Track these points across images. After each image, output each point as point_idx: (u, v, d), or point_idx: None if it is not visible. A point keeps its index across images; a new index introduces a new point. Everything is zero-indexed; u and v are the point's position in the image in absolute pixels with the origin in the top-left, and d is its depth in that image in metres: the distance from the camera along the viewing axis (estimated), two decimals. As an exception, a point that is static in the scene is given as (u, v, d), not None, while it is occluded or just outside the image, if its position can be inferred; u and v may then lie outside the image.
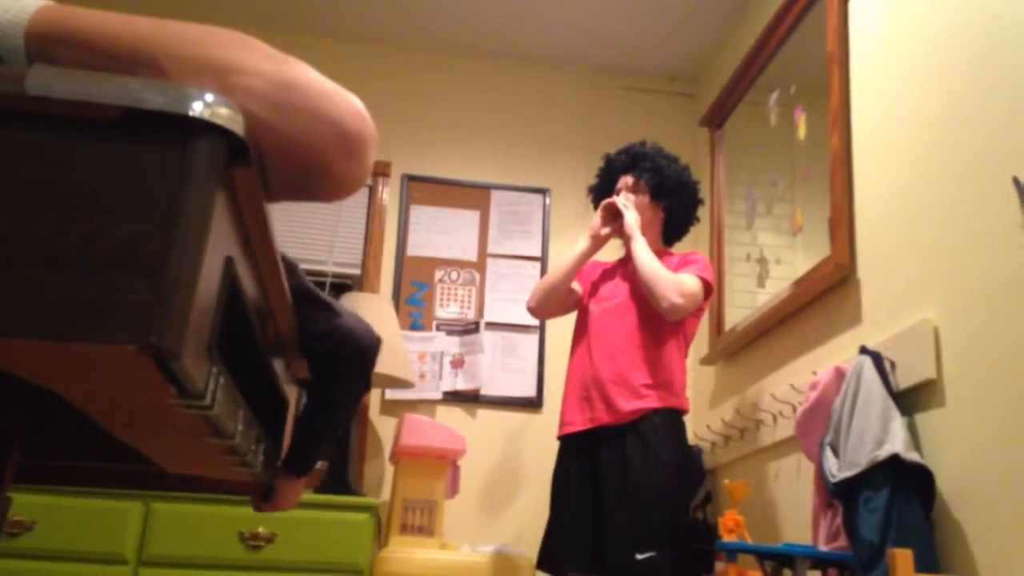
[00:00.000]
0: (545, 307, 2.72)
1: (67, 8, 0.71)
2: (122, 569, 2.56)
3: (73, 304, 0.53)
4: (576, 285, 2.77)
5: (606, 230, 2.70)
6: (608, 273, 2.77)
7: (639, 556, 2.28)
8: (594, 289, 2.74)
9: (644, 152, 2.75)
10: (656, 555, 2.29)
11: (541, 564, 2.52)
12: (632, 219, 2.64)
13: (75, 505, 2.59)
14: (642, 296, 2.59)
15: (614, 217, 2.71)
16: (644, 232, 2.68)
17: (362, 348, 1.16)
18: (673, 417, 2.50)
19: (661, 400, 2.48)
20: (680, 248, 3.80)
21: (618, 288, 2.66)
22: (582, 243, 2.70)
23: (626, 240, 2.65)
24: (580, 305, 2.76)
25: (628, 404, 2.46)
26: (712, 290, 2.62)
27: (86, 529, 2.57)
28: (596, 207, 2.84)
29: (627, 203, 2.69)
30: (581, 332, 2.69)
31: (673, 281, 2.49)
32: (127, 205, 0.56)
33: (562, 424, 2.62)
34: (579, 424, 2.54)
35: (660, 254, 2.72)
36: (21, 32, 0.68)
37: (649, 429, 2.43)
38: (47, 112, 0.57)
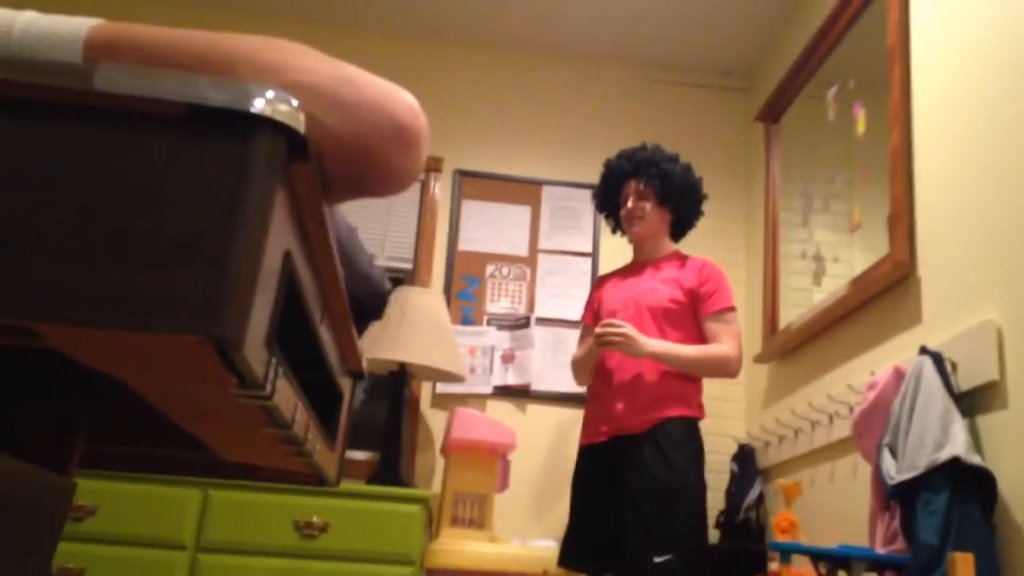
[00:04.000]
0: (586, 382, 2.74)
1: (122, 23, 0.73)
2: (180, 555, 2.62)
3: (138, 295, 0.55)
4: (593, 318, 2.77)
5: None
6: (618, 282, 2.74)
7: (657, 559, 2.29)
8: (607, 301, 2.71)
9: (647, 158, 2.70)
10: (672, 558, 2.29)
11: (562, 562, 2.57)
12: (632, 347, 2.45)
13: (136, 491, 2.66)
14: (656, 306, 2.58)
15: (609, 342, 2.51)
16: (655, 239, 2.70)
17: (359, 305, 1.17)
18: (688, 424, 2.50)
19: (676, 409, 2.49)
20: (728, 245, 3.77)
21: (630, 300, 2.64)
22: (591, 347, 2.58)
23: (642, 355, 2.49)
24: (598, 319, 2.74)
25: (643, 414, 2.48)
26: (736, 309, 2.61)
27: (146, 515, 2.64)
28: (601, 212, 2.85)
29: (611, 333, 2.45)
30: None
31: (717, 362, 2.49)
32: (190, 199, 0.57)
33: (582, 435, 2.64)
34: (599, 436, 2.55)
35: (671, 256, 2.70)
36: (79, 47, 0.70)
37: (663, 436, 2.45)
38: (114, 108, 0.59)
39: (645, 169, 2.69)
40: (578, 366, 2.73)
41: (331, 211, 1.16)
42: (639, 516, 2.37)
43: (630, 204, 2.69)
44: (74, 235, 0.55)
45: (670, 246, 2.76)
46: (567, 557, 2.55)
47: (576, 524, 2.55)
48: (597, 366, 2.65)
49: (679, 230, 2.79)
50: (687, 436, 2.48)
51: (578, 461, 2.64)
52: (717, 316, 2.56)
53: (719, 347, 2.52)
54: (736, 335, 2.56)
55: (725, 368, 2.51)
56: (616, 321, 2.48)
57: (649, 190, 2.68)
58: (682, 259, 2.70)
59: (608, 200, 2.80)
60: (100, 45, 0.71)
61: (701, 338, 2.58)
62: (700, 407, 2.56)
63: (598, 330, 2.49)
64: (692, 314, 2.59)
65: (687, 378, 2.54)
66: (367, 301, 1.16)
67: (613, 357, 2.58)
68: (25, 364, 0.96)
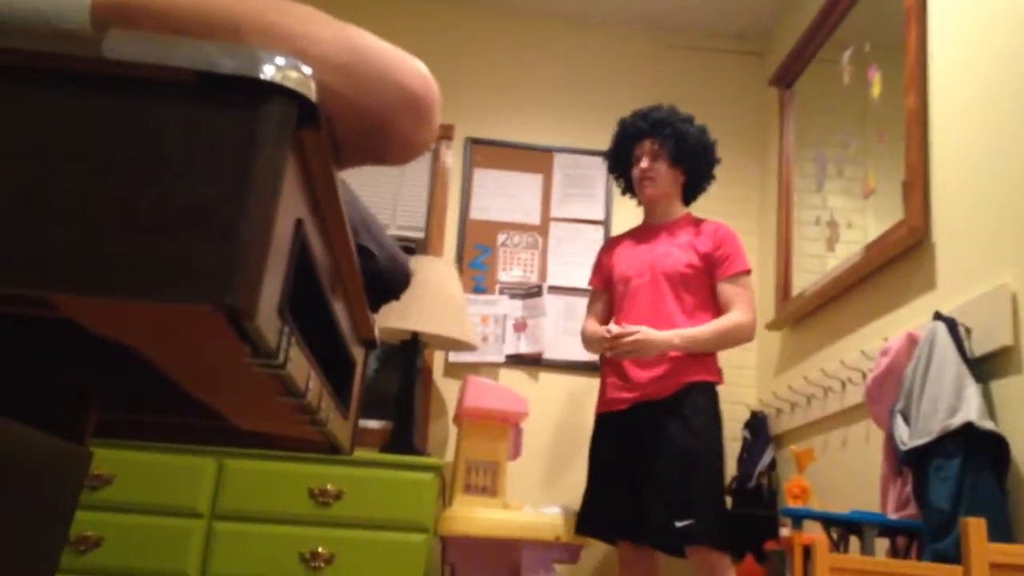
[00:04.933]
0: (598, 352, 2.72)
1: None
2: (197, 522, 2.65)
3: (150, 264, 0.54)
4: (603, 283, 2.76)
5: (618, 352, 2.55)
6: (628, 251, 2.72)
7: (678, 524, 2.30)
8: (620, 266, 2.69)
9: (663, 118, 2.67)
10: (694, 522, 2.30)
11: (579, 529, 2.58)
12: (648, 350, 2.46)
13: (152, 460, 2.68)
14: (671, 271, 2.57)
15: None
16: (667, 200, 2.69)
17: (385, 291, 1.18)
18: (708, 390, 2.51)
19: (696, 374, 2.49)
20: (742, 211, 3.74)
21: (644, 265, 2.62)
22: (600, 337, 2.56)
23: (666, 349, 2.49)
24: (610, 285, 2.73)
25: (666, 380, 2.48)
26: (751, 272, 2.61)
27: (163, 483, 2.67)
28: (613, 174, 2.83)
29: (625, 345, 2.47)
30: (615, 309, 2.68)
31: (734, 332, 2.49)
32: (201, 167, 0.57)
33: (601, 402, 2.64)
34: (619, 404, 2.55)
35: (684, 220, 2.68)
36: (86, 10, 0.70)
37: (685, 401, 2.45)
38: (123, 75, 0.58)
39: (660, 128, 2.66)
40: (589, 343, 2.72)
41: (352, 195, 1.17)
42: (660, 482, 2.37)
43: (644, 164, 2.67)
44: (84, 205, 0.55)
45: (682, 209, 2.74)
46: (585, 525, 2.56)
47: (594, 492, 2.56)
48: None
49: (691, 193, 2.76)
50: (708, 402, 2.48)
51: (596, 429, 2.64)
52: (732, 280, 2.55)
53: (731, 317, 2.51)
54: (750, 299, 2.55)
55: (741, 335, 2.51)
56: (627, 330, 2.46)
57: (663, 150, 2.66)
58: (696, 223, 2.68)
59: (620, 161, 2.78)
60: (105, 8, 0.70)
61: (716, 302, 2.57)
62: (719, 372, 2.56)
63: (609, 345, 2.49)
64: (707, 278, 2.57)
65: None
66: (393, 281, 1.17)
67: (634, 323, 2.56)
68: (39, 333, 0.96)
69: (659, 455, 2.40)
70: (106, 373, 1.03)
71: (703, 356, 2.52)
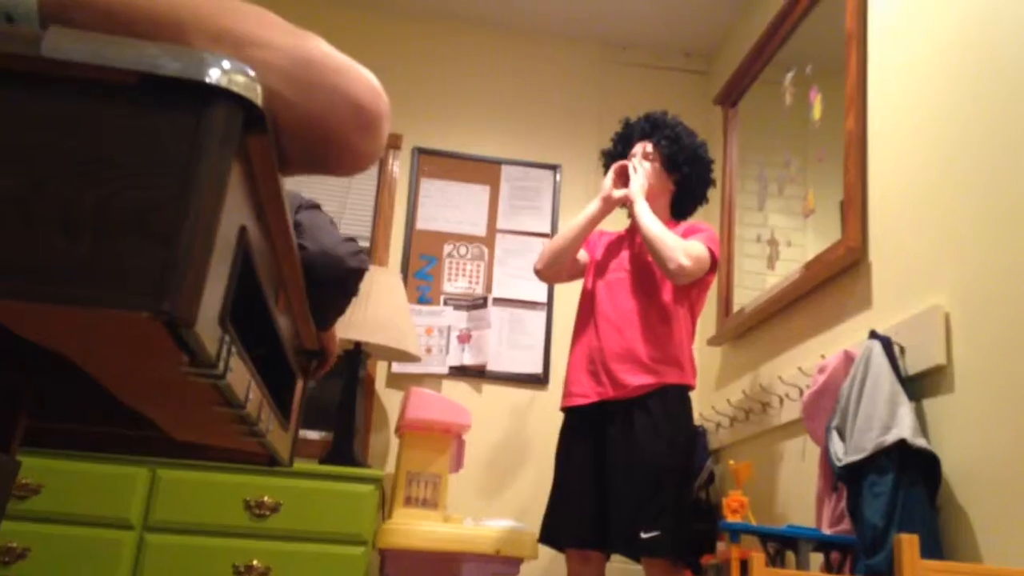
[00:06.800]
0: (553, 270, 2.68)
1: None
2: (127, 534, 2.58)
3: (87, 269, 0.53)
4: (583, 253, 2.75)
5: (618, 193, 2.66)
6: (613, 244, 2.73)
7: (644, 535, 2.28)
8: (599, 260, 2.70)
9: (664, 120, 2.73)
10: (660, 534, 2.29)
11: (543, 539, 2.52)
12: (637, 183, 2.62)
13: (82, 470, 2.61)
14: (648, 269, 2.56)
15: (626, 180, 2.70)
16: (653, 202, 2.65)
17: (322, 281, 1.16)
18: (681, 394, 2.48)
19: (669, 376, 2.45)
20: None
21: (623, 260, 2.63)
22: (593, 205, 2.66)
23: (628, 204, 2.62)
24: (585, 275, 2.74)
25: (635, 379, 2.44)
26: (718, 264, 2.57)
27: (92, 494, 2.59)
28: (606, 170, 2.82)
29: (638, 166, 2.67)
30: (587, 304, 2.66)
31: (680, 243, 2.46)
32: (142, 171, 0.55)
33: (567, 395, 2.58)
34: (587, 396, 2.51)
35: (666, 225, 2.69)
36: (34, 4, 0.68)
37: (657, 406, 2.41)
38: (64, 75, 0.57)
39: (659, 131, 2.71)
40: (565, 239, 2.64)
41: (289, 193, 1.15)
42: (628, 490, 2.33)
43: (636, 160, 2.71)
44: (19, 206, 0.53)
45: (667, 216, 2.72)
46: (551, 534, 2.49)
47: (560, 498, 2.49)
48: (587, 329, 2.60)
49: (680, 207, 2.74)
50: (681, 406, 2.46)
51: (563, 428, 2.59)
52: (697, 240, 2.52)
53: (688, 244, 2.47)
54: (703, 255, 2.47)
55: (680, 252, 2.41)
56: (636, 163, 2.65)
57: (657, 152, 2.69)
58: (675, 225, 2.66)
59: (615, 158, 2.79)
60: (51, 3, 0.68)
61: (687, 308, 2.56)
62: (694, 373, 2.54)
63: (620, 162, 2.69)
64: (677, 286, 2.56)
65: (679, 342, 2.50)
66: (331, 279, 1.15)
67: (607, 318, 2.54)
68: (-34, 339, 0.93)
69: (629, 461, 2.36)
70: (35, 380, 1.00)
71: (679, 354, 2.48)
